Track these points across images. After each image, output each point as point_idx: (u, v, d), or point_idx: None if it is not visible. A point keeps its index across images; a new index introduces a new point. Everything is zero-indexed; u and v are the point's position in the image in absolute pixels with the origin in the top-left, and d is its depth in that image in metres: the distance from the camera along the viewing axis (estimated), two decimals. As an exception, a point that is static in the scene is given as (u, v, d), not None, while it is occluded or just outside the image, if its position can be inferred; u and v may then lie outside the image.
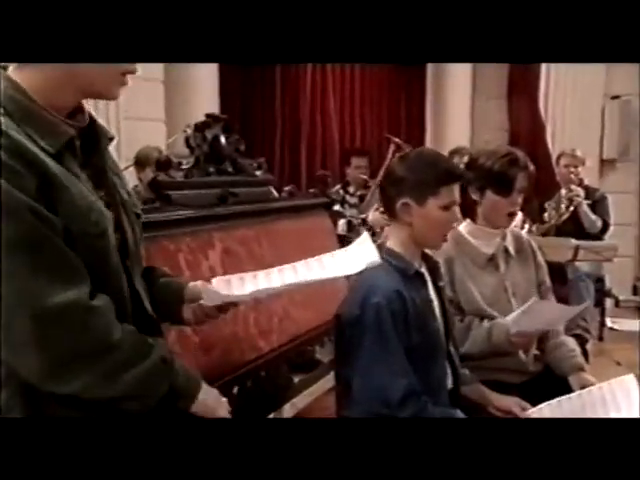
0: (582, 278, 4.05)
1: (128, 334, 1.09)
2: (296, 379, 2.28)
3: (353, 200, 4.41)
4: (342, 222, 4.11)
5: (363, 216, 4.03)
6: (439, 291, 1.76)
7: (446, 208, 1.61)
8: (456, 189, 1.63)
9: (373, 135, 5.57)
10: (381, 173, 3.22)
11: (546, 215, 4.24)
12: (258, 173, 2.15)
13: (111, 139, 1.23)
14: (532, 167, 1.99)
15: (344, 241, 2.78)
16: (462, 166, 2.12)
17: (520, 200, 2.00)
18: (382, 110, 5.69)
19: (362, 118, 5.60)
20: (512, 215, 2.02)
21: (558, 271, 3.93)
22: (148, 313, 1.23)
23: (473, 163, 2.04)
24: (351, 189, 4.44)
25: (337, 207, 4.22)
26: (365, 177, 4.29)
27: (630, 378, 1.53)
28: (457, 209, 1.64)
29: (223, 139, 1.90)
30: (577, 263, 4.01)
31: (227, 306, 1.33)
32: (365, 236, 1.43)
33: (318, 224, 2.55)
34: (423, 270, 1.71)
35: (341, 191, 4.44)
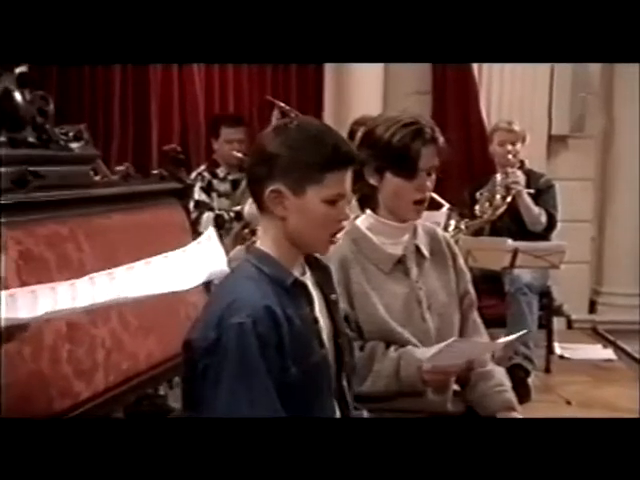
0: (523, 291, 4.18)
1: None
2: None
3: (223, 187, 4.45)
4: (208, 216, 4.12)
5: (237, 209, 4.06)
6: (330, 307, 1.79)
7: (331, 202, 1.63)
8: (347, 177, 1.65)
9: (252, 98, 5.57)
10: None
11: (478, 208, 4.43)
12: (75, 146, 2.12)
13: None
14: (442, 140, 2.07)
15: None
16: None
17: (429, 184, 2.08)
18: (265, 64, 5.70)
19: (237, 75, 5.58)
20: (420, 203, 2.09)
21: (493, 281, 4.14)
22: None
23: (369, 136, 2.10)
24: (220, 171, 4.48)
25: (200, 195, 4.25)
26: (240, 155, 4.30)
27: None
28: (345, 204, 1.66)
29: (19, 96, 1.86)
30: (516, 271, 4.17)
31: (12, 331, 1.30)
32: (211, 233, 1.44)
33: (166, 218, 2.55)
34: (306, 279, 1.73)
35: (206, 174, 4.46)
